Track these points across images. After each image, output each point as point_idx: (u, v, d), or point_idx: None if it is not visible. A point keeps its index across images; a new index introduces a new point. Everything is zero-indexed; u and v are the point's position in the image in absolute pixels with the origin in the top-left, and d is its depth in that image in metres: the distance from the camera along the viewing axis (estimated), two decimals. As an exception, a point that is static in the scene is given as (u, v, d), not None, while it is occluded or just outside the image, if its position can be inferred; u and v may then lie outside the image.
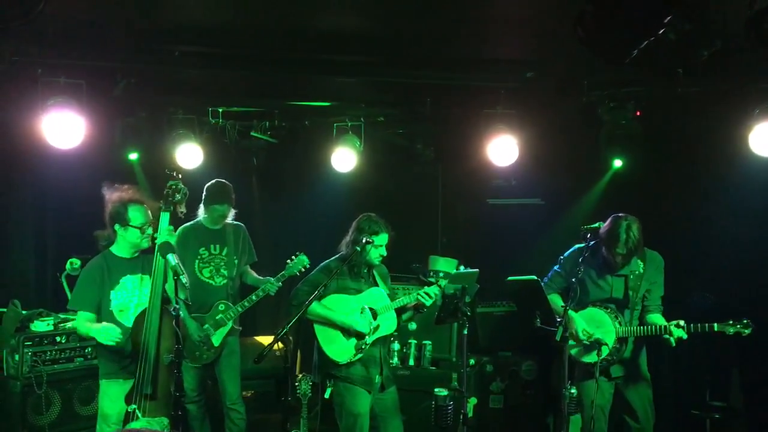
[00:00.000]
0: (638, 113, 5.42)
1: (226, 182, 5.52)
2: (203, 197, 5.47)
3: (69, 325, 5.20)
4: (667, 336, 4.59)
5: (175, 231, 4.41)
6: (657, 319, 4.79)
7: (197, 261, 5.44)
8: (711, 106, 5.21)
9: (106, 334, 4.18)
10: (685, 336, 4.55)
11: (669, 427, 5.67)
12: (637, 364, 4.91)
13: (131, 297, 4.40)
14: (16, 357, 4.94)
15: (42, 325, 5.16)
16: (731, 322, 4.48)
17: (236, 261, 5.54)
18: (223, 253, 5.51)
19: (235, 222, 5.67)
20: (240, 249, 5.60)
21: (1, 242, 6.10)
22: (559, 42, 4.85)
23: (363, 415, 4.70)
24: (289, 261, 5.34)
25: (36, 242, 6.30)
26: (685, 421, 5.72)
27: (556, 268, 5.10)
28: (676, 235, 5.75)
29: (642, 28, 3.00)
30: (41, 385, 4.93)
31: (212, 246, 5.50)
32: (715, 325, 4.50)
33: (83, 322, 4.34)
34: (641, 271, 4.82)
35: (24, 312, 5.20)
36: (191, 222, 5.52)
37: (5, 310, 5.19)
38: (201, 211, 5.53)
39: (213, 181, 5.50)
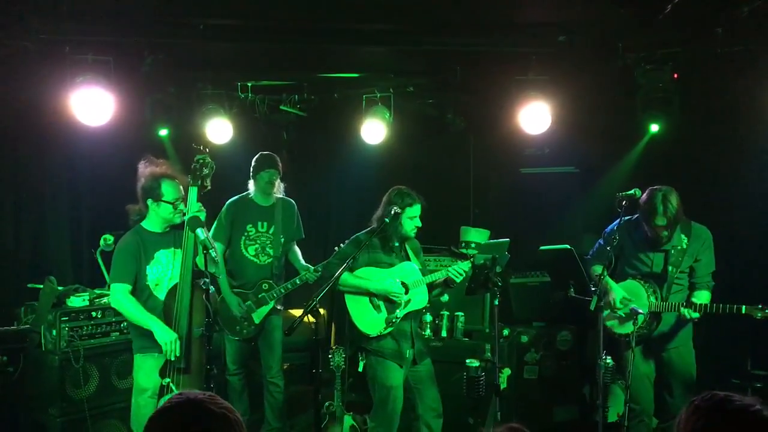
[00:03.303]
0: (676, 75, 5.24)
1: (271, 153, 5.55)
2: (251, 169, 5.48)
3: (104, 300, 5.26)
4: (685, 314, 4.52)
5: (205, 206, 4.40)
6: (703, 296, 4.67)
7: (243, 238, 5.45)
8: (752, 65, 5.00)
9: (166, 336, 4.18)
10: (696, 316, 4.50)
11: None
12: (681, 342, 4.81)
13: (165, 271, 4.43)
14: (54, 332, 5.02)
15: (78, 301, 5.22)
16: (760, 306, 4.29)
17: (282, 239, 5.53)
18: (270, 231, 5.49)
19: (286, 198, 5.65)
20: (287, 226, 5.58)
21: (37, 220, 6.18)
22: (591, 3, 4.71)
23: (396, 387, 4.70)
24: (336, 248, 5.12)
25: (70, 220, 6.36)
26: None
27: (600, 241, 5.01)
28: (715, 202, 5.57)
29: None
30: (78, 359, 5.00)
31: (260, 223, 5.49)
32: (743, 307, 4.34)
33: (124, 296, 4.31)
34: (684, 246, 4.69)
35: (60, 288, 5.27)
36: (240, 195, 5.53)
37: (42, 286, 5.27)
38: (251, 185, 5.53)
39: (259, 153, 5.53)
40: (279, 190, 5.55)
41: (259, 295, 5.36)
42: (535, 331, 5.88)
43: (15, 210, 6.04)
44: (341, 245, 5.05)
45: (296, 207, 5.70)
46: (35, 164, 6.07)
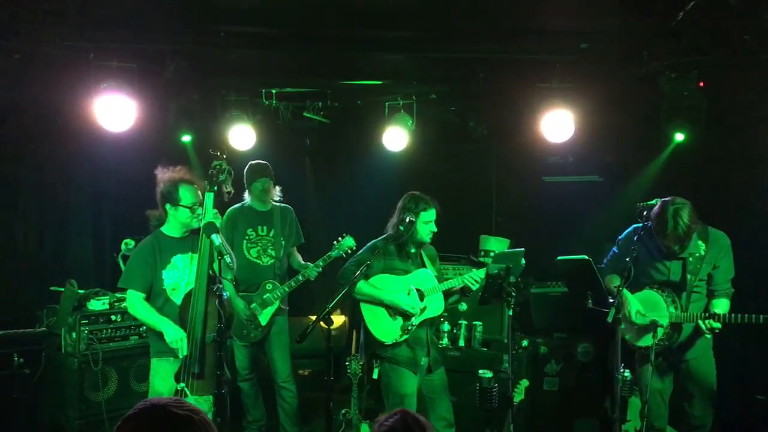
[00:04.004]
0: (701, 84, 5.14)
1: (261, 161, 5.62)
2: (244, 180, 5.56)
3: (124, 304, 5.31)
4: (703, 326, 4.40)
5: (221, 211, 4.44)
6: (722, 304, 4.55)
7: (245, 241, 5.53)
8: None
9: (174, 334, 4.22)
10: (717, 326, 4.37)
11: (734, 411, 5.43)
12: (700, 352, 4.68)
13: (182, 276, 4.46)
14: (74, 335, 5.10)
15: (98, 304, 5.31)
16: None
17: (283, 242, 5.60)
18: (270, 234, 5.57)
19: (283, 204, 5.73)
20: (287, 231, 5.65)
21: (60, 224, 6.29)
22: (615, 10, 4.64)
23: (410, 395, 4.66)
24: (335, 242, 5.34)
25: (94, 224, 6.48)
26: (750, 405, 5.46)
27: (614, 249, 4.91)
28: (740, 214, 5.43)
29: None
30: (97, 362, 5.08)
31: (259, 227, 5.58)
32: None
33: (138, 302, 4.39)
34: (702, 253, 4.56)
35: (81, 291, 5.36)
36: (239, 204, 5.60)
37: (63, 289, 5.36)
38: (246, 195, 5.62)
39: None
40: (275, 196, 5.62)
41: (264, 296, 5.41)
42: (556, 342, 5.80)
43: (39, 214, 6.16)
44: (338, 239, 5.21)
45: (293, 213, 5.77)
46: (59, 169, 6.19)
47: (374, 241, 4.87)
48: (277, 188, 5.64)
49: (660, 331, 4.43)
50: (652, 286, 4.67)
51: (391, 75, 6.11)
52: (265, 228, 5.58)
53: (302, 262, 5.64)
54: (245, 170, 5.58)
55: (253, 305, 5.39)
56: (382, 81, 6.13)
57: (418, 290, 4.74)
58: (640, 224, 4.47)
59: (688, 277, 4.56)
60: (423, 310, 4.70)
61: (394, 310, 4.71)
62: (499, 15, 4.94)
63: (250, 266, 5.48)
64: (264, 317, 5.41)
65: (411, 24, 5.10)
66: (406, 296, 4.71)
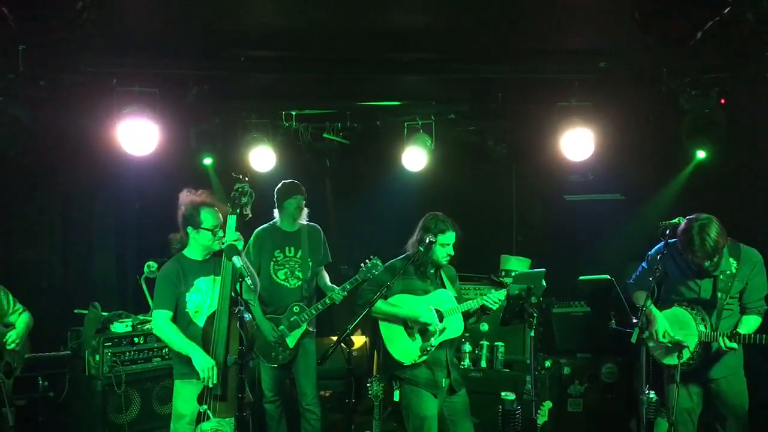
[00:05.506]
0: (722, 101, 5.12)
1: (294, 180, 5.64)
2: (275, 199, 5.57)
3: (147, 326, 5.37)
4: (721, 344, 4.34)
5: (246, 232, 4.45)
6: (752, 322, 4.47)
7: (272, 263, 5.53)
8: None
9: (203, 362, 4.20)
10: (734, 346, 4.31)
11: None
12: (731, 371, 4.59)
13: (205, 298, 4.47)
14: (97, 357, 5.14)
15: (121, 327, 5.34)
16: None
17: (311, 263, 5.59)
18: (298, 255, 5.56)
19: (311, 223, 5.73)
20: (315, 250, 5.64)
21: (85, 248, 6.37)
22: (633, 28, 4.63)
23: (430, 418, 4.61)
24: (362, 265, 5.25)
25: (117, 247, 6.56)
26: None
27: (643, 264, 4.85)
28: (764, 229, 5.36)
29: (704, 9, 2.77)
30: (120, 384, 5.10)
31: (287, 248, 5.58)
32: None
33: (165, 322, 4.35)
34: (733, 270, 4.48)
35: (104, 314, 5.41)
36: (267, 224, 5.61)
37: (87, 312, 5.40)
38: (276, 214, 5.62)
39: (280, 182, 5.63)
40: (303, 215, 5.62)
41: (292, 319, 5.41)
42: (580, 363, 5.74)
43: (63, 237, 6.25)
44: (365, 261, 5.14)
45: (322, 232, 5.76)
46: (83, 193, 6.27)
47: (392, 261, 4.87)
48: (306, 210, 5.64)
49: (686, 353, 4.37)
50: (681, 304, 4.59)
51: (410, 95, 6.18)
52: (292, 249, 5.58)
53: (329, 282, 5.64)
54: (277, 188, 5.59)
55: (281, 327, 5.39)
56: (401, 101, 6.18)
57: (437, 311, 4.70)
58: (672, 240, 4.41)
59: (719, 295, 4.47)
60: (442, 330, 4.67)
61: (413, 328, 4.69)
62: (517, 35, 4.97)
63: (277, 288, 5.48)
64: (292, 339, 5.41)
65: (429, 45, 5.14)
66: (425, 309, 4.69)
